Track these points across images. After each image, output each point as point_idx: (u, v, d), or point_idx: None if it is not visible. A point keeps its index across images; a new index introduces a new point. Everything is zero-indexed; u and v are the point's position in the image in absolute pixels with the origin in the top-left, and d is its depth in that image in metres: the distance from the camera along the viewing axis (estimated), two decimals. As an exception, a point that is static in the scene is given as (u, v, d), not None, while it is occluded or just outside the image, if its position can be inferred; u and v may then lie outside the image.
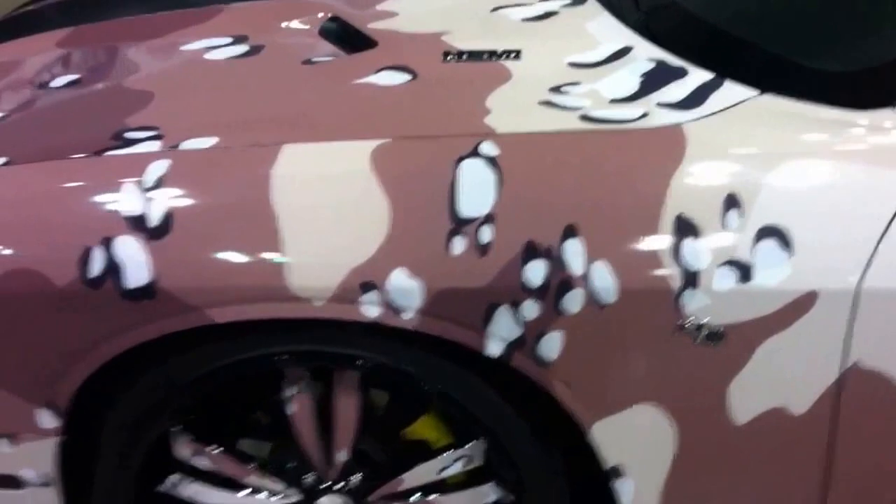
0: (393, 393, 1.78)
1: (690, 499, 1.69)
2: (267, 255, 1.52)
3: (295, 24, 2.05)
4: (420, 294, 1.52)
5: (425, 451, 1.78)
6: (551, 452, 1.69)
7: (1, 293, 1.57)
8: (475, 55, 1.79)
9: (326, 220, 1.54)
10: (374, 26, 1.95)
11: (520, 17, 1.93)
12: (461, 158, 1.54)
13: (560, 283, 1.50)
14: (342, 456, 1.74)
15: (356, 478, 1.77)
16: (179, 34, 2.04)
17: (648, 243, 1.50)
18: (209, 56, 1.93)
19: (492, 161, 1.54)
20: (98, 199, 1.58)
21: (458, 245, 1.51)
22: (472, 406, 1.64)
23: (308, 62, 1.87)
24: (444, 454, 1.74)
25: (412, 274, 1.51)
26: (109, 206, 1.56)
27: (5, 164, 1.65)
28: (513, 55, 1.78)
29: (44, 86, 1.91)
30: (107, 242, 1.55)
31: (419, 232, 1.52)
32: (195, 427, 1.75)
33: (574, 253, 1.50)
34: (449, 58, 1.80)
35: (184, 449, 1.75)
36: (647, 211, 1.51)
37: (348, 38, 1.94)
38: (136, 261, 1.54)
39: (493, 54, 1.79)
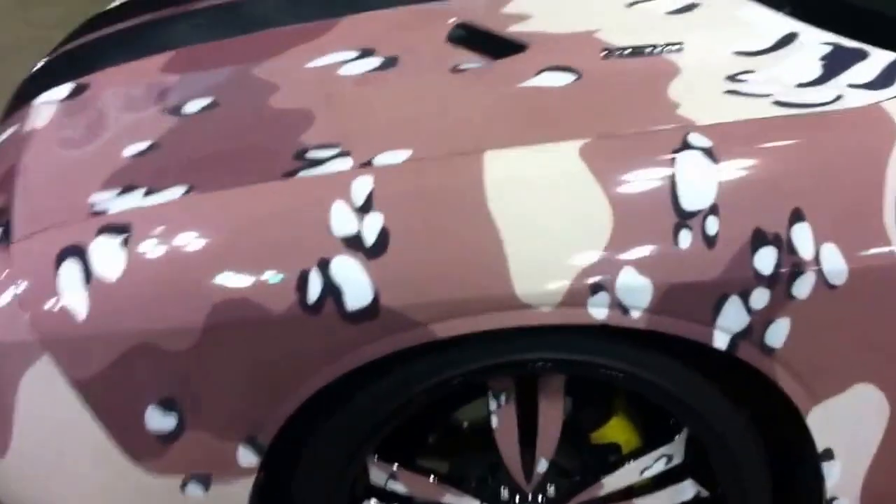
0: (578, 398, 1.76)
1: (892, 479, 1.71)
2: (491, 264, 1.49)
3: (418, 33, 2.01)
4: (649, 292, 1.50)
5: (612, 455, 1.78)
6: (758, 444, 1.69)
7: (213, 326, 1.51)
8: (637, 50, 1.77)
9: (547, 224, 1.51)
10: (514, 29, 1.92)
11: (664, 11, 1.92)
12: (675, 151, 1.53)
13: (791, 268, 1.51)
14: (542, 466, 1.71)
15: (552, 488, 1.75)
16: (299, 51, 1.98)
17: (873, 222, 1.52)
18: (343, 72, 1.88)
19: (707, 152, 1.53)
20: (307, 221, 1.53)
21: (685, 239, 1.50)
22: (689, 400, 1.63)
23: (457, 70, 1.83)
24: (648, 454, 1.72)
25: (641, 272, 1.50)
26: (321, 228, 1.51)
27: (188, 191, 1.58)
28: (675, 48, 1.77)
29: (177, 111, 1.84)
30: (324, 265, 1.50)
31: (644, 229, 1.50)
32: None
33: (803, 237, 1.50)
34: (609, 54, 1.78)
35: (380, 474, 1.70)
36: (868, 190, 1.52)
37: (486, 43, 1.91)
38: (356, 281, 1.49)
39: (654, 48, 1.78)
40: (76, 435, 1.59)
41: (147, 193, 1.60)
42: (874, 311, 1.55)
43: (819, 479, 1.68)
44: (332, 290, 1.49)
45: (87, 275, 1.53)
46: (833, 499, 1.70)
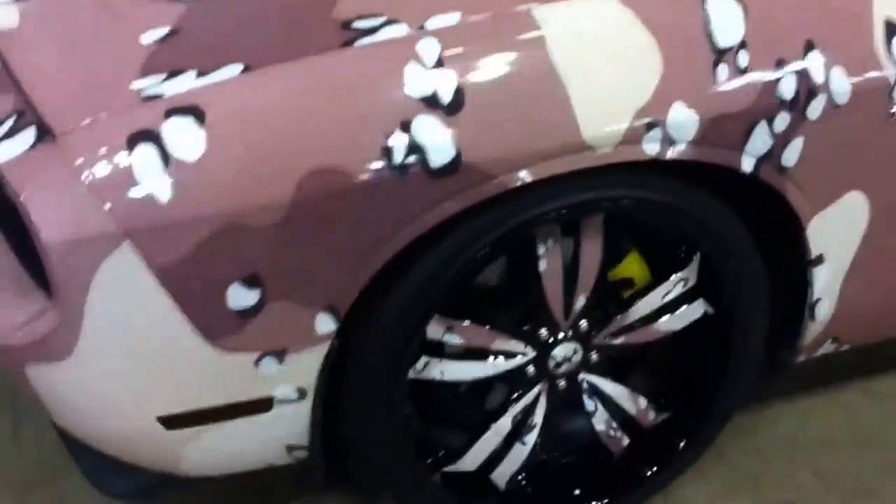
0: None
1: (867, 280, 1.96)
2: (559, 113, 1.59)
3: None
4: (695, 125, 1.65)
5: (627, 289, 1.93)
6: (761, 265, 1.89)
7: (302, 198, 1.52)
8: None
9: (605, 70, 1.61)
10: None
11: None
12: (706, -5, 1.68)
13: (807, 92, 1.70)
14: (580, 303, 1.84)
15: (584, 323, 1.88)
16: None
17: (868, 47, 1.73)
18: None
19: (732, -7, 1.69)
20: (383, 85, 1.56)
21: (723, 73, 1.65)
22: (711, 223, 1.79)
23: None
24: (665, 283, 1.89)
25: (689, 106, 1.64)
26: (398, 91, 1.55)
27: (246, 69, 1.56)
28: None
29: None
30: (406, 126, 1.54)
31: (688, 67, 1.64)
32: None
33: (816, 63, 1.70)
34: None
35: (437, 328, 1.77)
36: (861, 20, 1.73)
37: None
38: (437, 139, 1.55)
39: None
40: (151, 323, 1.57)
41: (200, 75, 1.57)
42: (865, 126, 1.78)
43: (806, 285, 1.92)
44: (416, 150, 1.54)
45: (166, 158, 1.50)
46: (817, 301, 1.94)
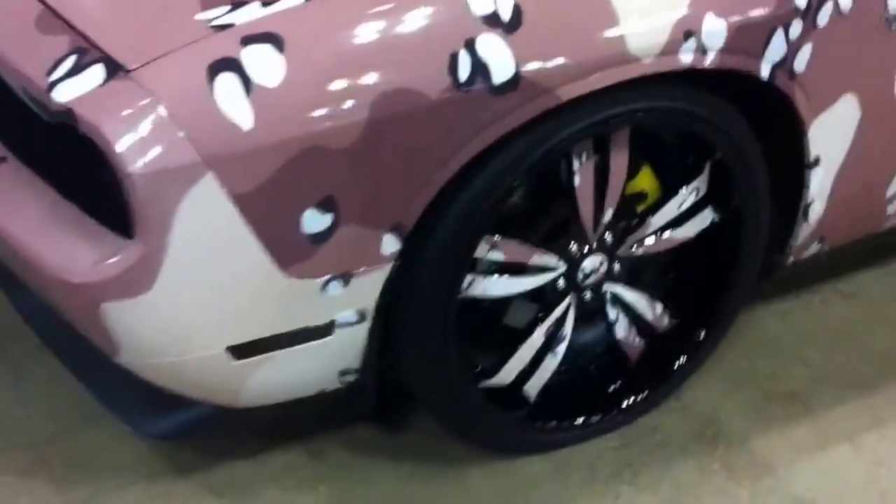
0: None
1: (851, 180, 2.10)
2: (607, 27, 1.67)
3: None
4: (723, 33, 1.75)
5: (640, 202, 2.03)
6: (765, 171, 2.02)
7: (375, 119, 1.56)
8: None
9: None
10: None
11: None
12: None
13: (818, 0, 1.82)
14: (608, 215, 1.93)
15: (609, 235, 1.97)
16: None
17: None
18: None
19: None
20: (448, 6, 1.61)
21: (747, -20, 1.77)
22: (729, 130, 1.90)
23: None
24: (681, 192, 1.99)
25: (719, 15, 1.74)
26: (462, 10, 1.60)
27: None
28: None
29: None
30: (470, 44, 1.59)
31: (718, -23, 1.75)
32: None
33: (826, -26, 1.83)
34: None
35: (483, 246, 1.82)
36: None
37: None
38: (499, 55, 1.61)
39: None
40: (229, 253, 1.59)
41: (265, 4, 1.59)
42: (863, 32, 1.92)
43: (802, 188, 2.06)
44: (479, 67, 1.60)
45: (247, 85, 1.52)
46: (811, 202, 2.08)
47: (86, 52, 1.60)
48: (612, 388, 2.12)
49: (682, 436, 2.15)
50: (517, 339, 1.98)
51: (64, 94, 1.56)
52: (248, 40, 1.54)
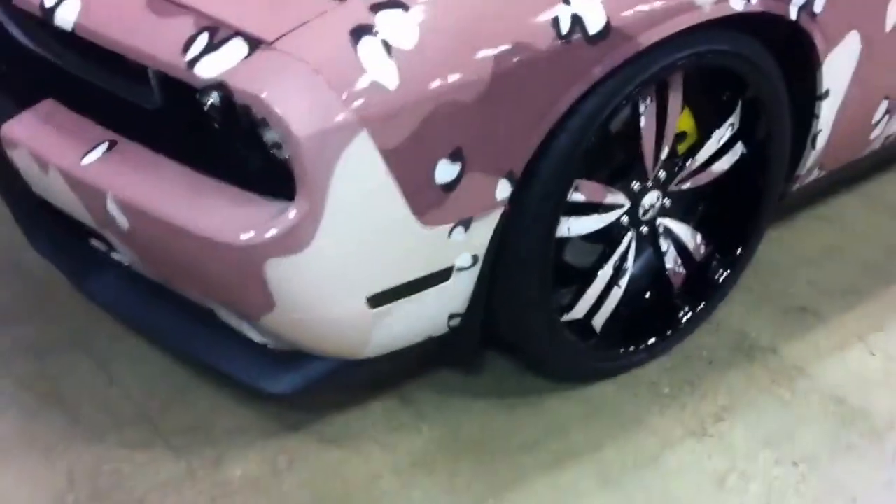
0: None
1: (850, 109, 2.38)
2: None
3: None
4: (764, -20, 2.00)
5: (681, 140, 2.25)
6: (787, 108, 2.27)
7: (498, 73, 1.74)
8: None
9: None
10: None
11: None
12: None
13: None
14: (664, 153, 2.15)
15: (662, 173, 2.19)
16: None
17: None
18: None
19: None
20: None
21: (779, -64, 2.01)
22: (765, 67, 2.14)
23: None
24: (721, 128, 2.22)
25: (760, -35, 1.99)
26: (558, -29, 1.80)
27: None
28: None
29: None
30: (567, 0, 1.79)
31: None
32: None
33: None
34: None
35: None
36: None
37: None
38: (592, 9, 1.81)
39: None
40: (377, 206, 1.75)
41: (377, -25, 1.75)
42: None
43: (812, 119, 2.32)
44: (577, 20, 1.80)
45: (388, 48, 1.68)
46: (818, 132, 2.35)
47: (216, 30, 1.73)
48: (662, 313, 2.35)
49: (724, 351, 2.40)
50: (587, 275, 2.19)
51: (209, 69, 1.69)
52: (377, 7, 1.70)
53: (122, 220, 1.85)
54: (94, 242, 2.17)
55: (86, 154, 1.89)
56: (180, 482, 2.05)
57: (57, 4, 1.87)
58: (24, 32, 2.04)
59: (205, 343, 2.09)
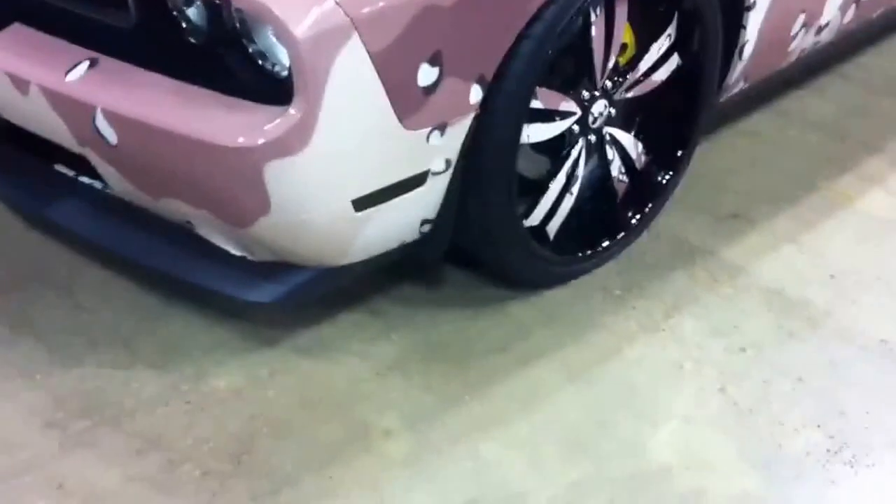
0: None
1: (773, 20, 2.53)
2: None
3: None
4: None
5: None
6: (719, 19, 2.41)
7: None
8: None
9: None
10: None
11: None
12: None
13: None
14: (611, 62, 2.27)
15: (609, 83, 2.31)
16: None
17: None
18: None
19: None
20: None
21: None
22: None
23: None
24: (659, 39, 2.35)
25: None
26: None
27: None
28: None
29: None
30: None
31: None
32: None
33: None
34: None
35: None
36: None
37: None
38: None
39: None
40: (365, 109, 1.83)
41: None
42: None
43: (739, 30, 2.47)
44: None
45: (376, -46, 1.75)
46: (745, 42, 2.50)
47: None
48: (609, 220, 2.48)
49: (665, 256, 2.55)
50: (539, 184, 2.31)
51: (202, -21, 1.74)
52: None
53: (111, 134, 1.88)
54: (60, 168, 2.20)
55: (69, 72, 1.91)
56: (166, 396, 2.10)
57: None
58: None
59: (182, 260, 2.13)
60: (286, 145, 1.77)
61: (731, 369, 2.23)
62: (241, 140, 1.77)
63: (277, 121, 1.76)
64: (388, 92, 1.83)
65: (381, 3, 1.76)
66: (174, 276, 2.14)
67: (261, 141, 1.76)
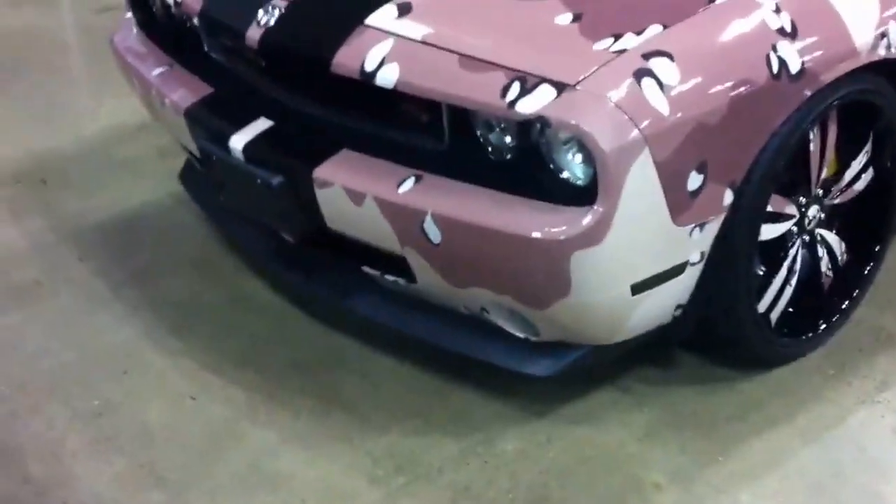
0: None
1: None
2: (845, 34, 2.45)
3: None
4: (897, 34, 2.58)
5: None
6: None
7: (733, 102, 2.28)
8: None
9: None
10: None
11: None
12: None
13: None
14: (824, 173, 2.68)
15: (820, 190, 2.72)
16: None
17: None
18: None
19: None
20: (755, 25, 2.35)
21: (908, 0, 2.59)
22: (893, 102, 2.69)
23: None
24: (859, 156, 2.76)
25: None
26: (765, 27, 2.35)
27: (665, 27, 2.29)
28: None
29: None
30: (774, 48, 2.34)
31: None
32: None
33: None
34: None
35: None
36: None
37: None
38: (793, 54, 2.36)
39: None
40: (648, 207, 2.26)
41: (637, 34, 2.28)
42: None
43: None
44: (782, 63, 2.34)
45: (661, 85, 2.21)
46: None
47: (525, 79, 2.24)
48: (818, 308, 2.86)
49: (868, 340, 2.89)
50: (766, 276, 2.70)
51: (527, 107, 2.20)
52: (647, 56, 2.24)
53: (436, 235, 2.33)
54: (366, 269, 2.65)
55: (399, 184, 2.38)
56: (466, 457, 2.51)
57: (378, 68, 2.38)
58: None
59: (470, 340, 2.57)
60: (591, 237, 2.20)
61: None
62: (554, 234, 2.20)
63: (588, 217, 2.19)
64: (666, 195, 2.26)
65: (665, 123, 2.20)
66: (463, 353, 2.57)
67: (572, 234, 2.19)
